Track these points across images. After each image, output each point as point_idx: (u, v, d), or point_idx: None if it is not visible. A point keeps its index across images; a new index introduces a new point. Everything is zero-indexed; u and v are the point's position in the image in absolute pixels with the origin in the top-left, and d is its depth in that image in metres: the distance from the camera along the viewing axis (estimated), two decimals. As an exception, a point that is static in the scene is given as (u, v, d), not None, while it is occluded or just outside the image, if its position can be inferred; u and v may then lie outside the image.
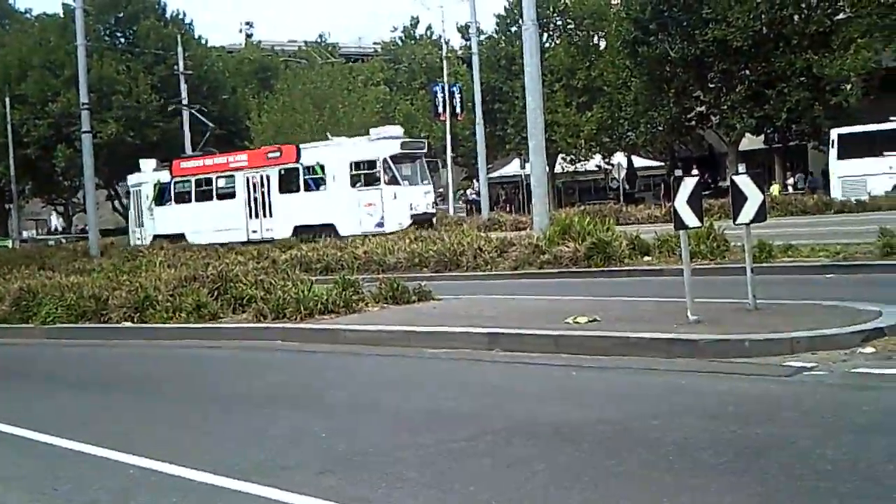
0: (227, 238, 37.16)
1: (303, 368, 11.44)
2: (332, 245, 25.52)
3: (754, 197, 10.90)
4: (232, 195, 41.03)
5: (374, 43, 79.32)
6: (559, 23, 58.30)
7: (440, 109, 52.45)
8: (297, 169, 38.59)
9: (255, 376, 10.95)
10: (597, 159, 56.81)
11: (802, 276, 15.36)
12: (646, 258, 18.88)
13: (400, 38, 75.30)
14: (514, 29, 55.57)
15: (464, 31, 60.00)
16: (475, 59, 46.11)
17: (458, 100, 52.66)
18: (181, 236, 41.47)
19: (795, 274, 15.56)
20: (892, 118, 35.89)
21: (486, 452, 6.62)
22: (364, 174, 36.39)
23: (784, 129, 46.55)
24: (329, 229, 35.70)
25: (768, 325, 9.76)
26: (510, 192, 60.97)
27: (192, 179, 43.02)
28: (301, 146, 39.29)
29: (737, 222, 11.04)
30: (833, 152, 37.20)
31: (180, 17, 64.78)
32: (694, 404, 7.63)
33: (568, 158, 56.02)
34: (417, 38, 74.01)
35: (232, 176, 41.23)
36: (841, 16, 43.90)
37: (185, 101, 52.65)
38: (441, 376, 9.94)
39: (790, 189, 46.09)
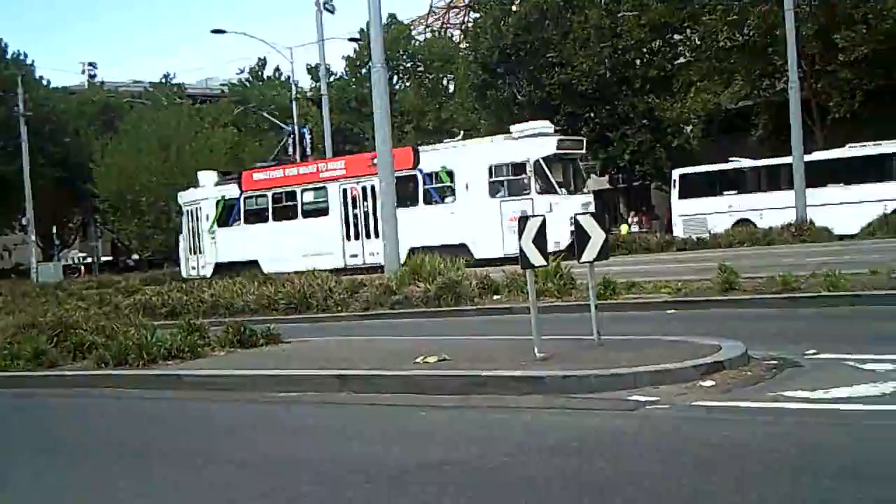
0: (318, 264, 29.31)
1: (139, 416, 11.06)
2: (178, 289, 24.91)
3: (597, 236, 11.14)
4: (323, 212, 34.75)
5: (221, 84, 78.44)
6: (409, 65, 58.86)
7: (290, 151, 52.15)
8: (413, 177, 32.30)
9: (89, 425, 10.54)
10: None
11: (646, 312, 15.73)
12: (495, 297, 19.07)
13: (247, 79, 74.71)
14: (363, 70, 55.82)
15: (314, 72, 59.94)
16: (325, 101, 46.13)
17: (308, 141, 52.46)
18: (252, 264, 34.40)
19: (639, 310, 15.93)
20: (731, 158, 37.33)
21: (324, 499, 6.49)
22: (508, 181, 30.74)
23: (628, 170, 47.91)
24: (459, 251, 28.89)
25: (613, 361, 9.91)
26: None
27: (269, 194, 36.22)
28: (420, 148, 33.60)
29: (581, 260, 11.26)
30: (675, 192, 38.43)
31: (21, 57, 62.95)
32: (541, 441, 7.67)
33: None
34: (265, 79, 73.53)
35: (323, 188, 34.93)
36: (681, 60, 45.64)
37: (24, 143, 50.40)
38: (286, 421, 9.75)
39: (637, 228, 47.40)
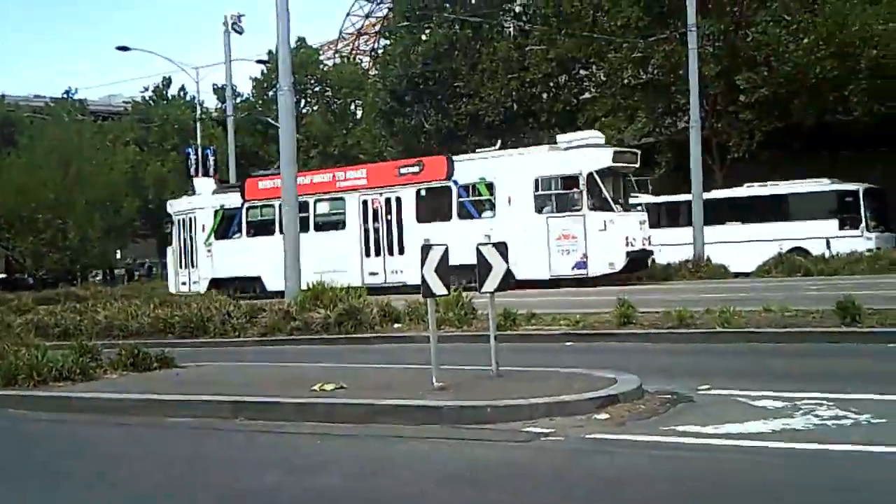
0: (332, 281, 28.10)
1: (22, 437, 10.73)
2: (71, 309, 24.28)
3: (498, 266, 11.18)
4: (339, 225, 32.09)
5: (125, 101, 77.22)
6: (317, 89, 58.71)
7: (193, 171, 51.45)
8: (447, 189, 29.93)
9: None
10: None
11: (545, 343, 15.82)
12: (396, 325, 19.02)
13: (152, 97, 73.68)
14: (271, 93, 55.48)
15: (220, 93, 59.42)
16: (230, 122, 45.70)
17: (211, 162, 51.83)
18: (254, 280, 32.58)
19: (538, 342, 16.02)
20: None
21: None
22: (556, 195, 28.28)
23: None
24: None
25: (510, 392, 9.94)
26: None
27: (277, 204, 31.38)
28: (455, 158, 30.93)
29: (482, 290, 11.28)
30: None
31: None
32: (435, 470, 7.65)
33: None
34: (170, 98, 72.61)
35: (340, 199, 32.19)
36: (586, 95, 46.33)
37: None
38: (173, 447, 9.55)
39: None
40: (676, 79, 38.39)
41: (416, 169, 30.65)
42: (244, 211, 34.23)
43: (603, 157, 27.95)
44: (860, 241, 31.37)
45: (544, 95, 46.62)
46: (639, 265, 27.91)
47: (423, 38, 48.85)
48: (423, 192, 30.41)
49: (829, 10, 32.97)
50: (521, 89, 45.40)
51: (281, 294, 25.78)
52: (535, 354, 13.99)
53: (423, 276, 10.49)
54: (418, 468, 7.80)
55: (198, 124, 54.80)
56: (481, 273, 11.12)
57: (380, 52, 57.17)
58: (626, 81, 42.34)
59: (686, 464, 7.43)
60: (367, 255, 30.92)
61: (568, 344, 15.63)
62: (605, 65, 42.65)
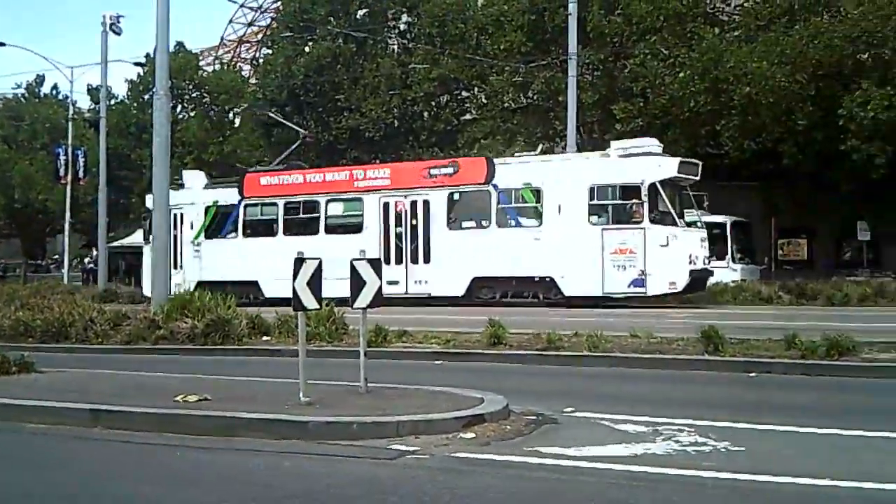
0: (341, 291, 25.06)
1: None
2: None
3: (372, 282, 11.15)
4: (355, 228, 29.26)
5: (-7, 97, 74.61)
6: (195, 95, 57.77)
7: (62, 172, 50.01)
8: (485, 193, 27.63)
9: None
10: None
11: (415, 361, 15.81)
12: (265, 338, 18.78)
13: (23, 94, 71.39)
14: (147, 96, 54.39)
15: (94, 93, 57.96)
16: (103, 123, 44.64)
17: (81, 164, 50.43)
18: (249, 285, 30.01)
19: (409, 359, 15.99)
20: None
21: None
22: (613, 205, 26.15)
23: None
24: (542, 286, 26.21)
25: (377, 409, 9.89)
26: (132, 264, 58.97)
27: (281, 202, 30.71)
28: (496, 160, 28.56)
29: (354, 306, 11.22)
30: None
31: None
32: (297, 487, 7.55)
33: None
34: (42, 96, 70.48)
35: (358, 200, 29.68)
36: (467, 116, 46.70)
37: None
38: (26, 454, 9.22)
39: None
40: (556, 105, 39.02)
41: (449, 170, 28.47)
42: (241, 209, 31.66)
43: (668, 167, 25.88)
44: (727, 272, 32.18)
45: (425, 114, 46.83)
46: (699, 285, 26.20)
47: (306, 49, 48.57)
48: (456, 196, 28.24)
49: (706, 47, 33.91)
50: (402, 106, 45.51)
51: (281, 302, 24.79)
52: (405, 372, 13.97)
53: (294, 290, 10.37)
54: (279, 483, 7.70)
55: (70, 124, 53.27)
56: (354, 288, 11.06)
57: (261, 61, 56.56)
58: (506, 105, 42.84)
59: (546, 485, 7.51)
60: (387, 262, 27.74)
61: (438, 363, 15.66)
62: (486, 87, 43.08)
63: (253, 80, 55.71)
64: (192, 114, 57.02)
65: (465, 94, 47.42)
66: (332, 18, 48.16)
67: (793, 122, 30.36)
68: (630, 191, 25.59)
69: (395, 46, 48.25)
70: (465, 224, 28.31)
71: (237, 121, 57.00)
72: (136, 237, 55.71)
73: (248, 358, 17.23)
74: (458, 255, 27.04)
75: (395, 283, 27.51)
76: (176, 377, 13.05)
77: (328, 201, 30.10)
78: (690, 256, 25.39)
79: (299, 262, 10.61)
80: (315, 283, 10.49)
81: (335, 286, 25.93)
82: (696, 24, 36.48)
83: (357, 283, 11.05)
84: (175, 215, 31.49)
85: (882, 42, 30.31)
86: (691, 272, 25.44)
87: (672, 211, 25.60)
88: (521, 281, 26.57)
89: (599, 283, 25.47)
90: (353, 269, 11.13)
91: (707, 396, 12.08)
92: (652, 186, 25.27)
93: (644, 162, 25.77)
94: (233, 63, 68.08)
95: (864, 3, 30.98)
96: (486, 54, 41.22)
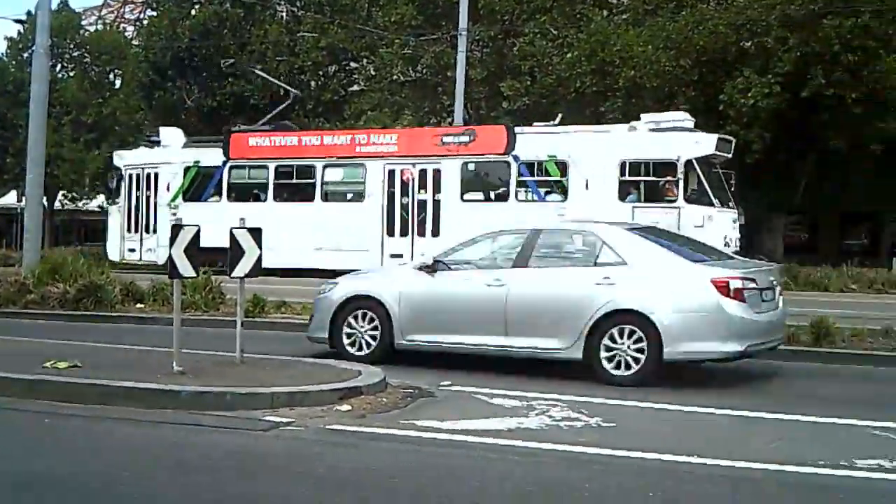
0: (338, 262, 23.59)
1: None
2: None
3: (251, 251, 11.00)
4: (356, 196, 27.92)
5: None
6: (76, 55, 56.07)
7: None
8: (504, 165, 25.89)
9: None
10: (100, 199, 54.95)
11: (294, 332, 15.60)
12: (139, 305, 18.37)
13: None
14: (26, 55, 52.58)
15: (-31, 50, 55.86)
16: (-23, 81, 43.04)
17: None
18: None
19: (287, 330, 15.82)
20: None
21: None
22: (646, 182, 24.70)
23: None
24: None
25: (252, 380, 9.79)
26: (4, 226, 57.27)
27: (272, 166, 28.48)
28: (517, 130, 26.48)
29: (232, 275, 11.06)
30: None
31: None
32: (169, 457, 7.46)
33: (70, 196, 53.67)
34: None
35: (360, 165, 27.76)
36: (355, 87, 46.33)
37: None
38: None
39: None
40: (444, 80, 38.98)
41: (465, 139, 26.56)
42: (226, 170, 29.24)
43: (706, 144, 24.38)
44: None
45: (313, 83, 46.31)
46: None
47: (193, 13, 47.52)
48: (471, 167, 26.64)
49: (594, 28, 34.21)
50: (289, 74, 44.90)
51: (267, 271, 23.58)
52: (283, 343, 13.86)
53: (170, 256, 10.17)
54: (151, 453, 7.59)
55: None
56: (232, 257, 10.89)
57: (145, 22, 55.16)
58: (395, 78, 42.64)
59: (420, 458, 7.57)
60: (391, 233, 26.66)
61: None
62: (375, 59, 42.82)
63: (136, 42, 54.23)
64: (71, 74, 55.32)
65: (353, 65, 47.02)
66: (220, -19, 47.22)
67: (675, 107, 30.88)
68: (665, 167, 24.21)
69: (284, 14, 47.52)
70: (480, 196, 26.69)
71: (118, 82, 55.50)
72: (10, 199, 54.15)
73: (121, 325, 16.85)
74: (472, 230, 24.26)
75: (399, 256, 26.17)
76: (46, 342, 12.69)
77: (326, 166, 28.07)
78: (725, 238, 23.78)
79: (177, 228, 10.42)
80: (192, 250, 10.29)
81: (335, 257, 25.11)
82: (585, 6, 36.78)
83: (236, 252, 10.88)
84: (149, 175, 30.49)
85: (765, 31, 30.93)
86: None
87: (708, 190, 24.21)
88: None
89: None
90: (232, 237, 10.97)
91: (582, 373, 12.24)
92: (688, 163, 23.96)
93: (680, 137, 24.34)
94: (116, 24, 66.27)
95: (750, -8, 31.65)
96: (377, 26, 40.92)
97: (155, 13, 51.30)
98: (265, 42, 44.43)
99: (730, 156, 25.48)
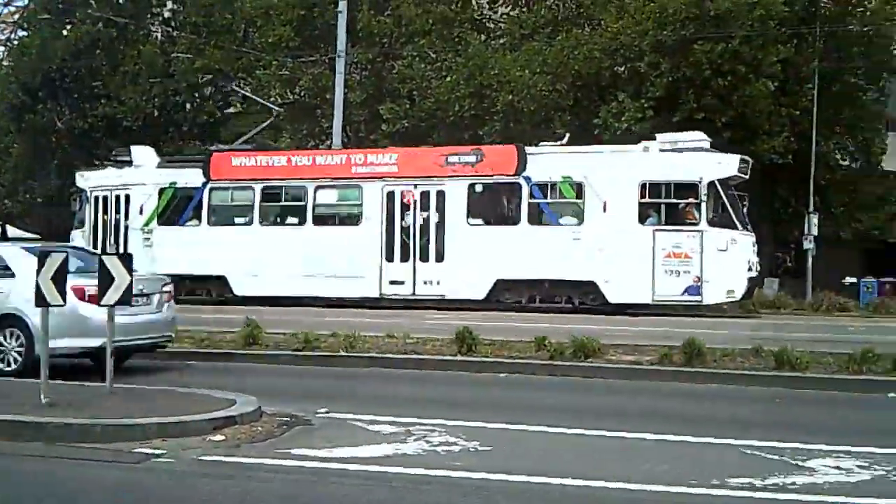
0: (331, 290, 23.95)
1: None
2: None
3: (122, 278, 10.73)
4: (352, 219, 26.49)
5: None
6: (-59, 75, 54.26)
7: None
8: (515, 186, 24.69)
9: None
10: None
11: (167, 361, 15.26)
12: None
13: None
14: None
15: None
16: None
17: None
18: (214, 281, 26.43)
19: (160, 359, 15.46)
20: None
21: None
22: (667, 204, 23.63)
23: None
24: (581, 290, 23.67)
25: (123, 411, 9.56)
26: None
27: (258, 188, 26.78)
28: (528, 150, 25.06)
29: (101, 303, 10.77)
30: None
31: None
32: (33, 493, 7.21)
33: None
34: None
35: (356, 188, 26.32)
36: (232, 110, 45.87)
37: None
38: None
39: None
40: (323, 102, 38.82)
41: (471, 158, 25.34)
42: (207, 192, 27.45)
43: (728, 165, 23.62)
44: None
45: (188, 105, 45.65)
46: (750, 294, 24.35)
47: (65, 33, 46.41)
48: (478, 188, 25.24)
49: (472, 52, 34.51)
50: (163, 96, 44.17)
51: (252, 300, 23.39)
52: (155, 373, 13.57)
53: (37, 284, 9.89)
54: (17, 492, 7.31)
55: None
56: (102, 284, 10.62)
57: (16, 42, 53.65)
58: (272, 99, 42.33)
59: (292, 487, 7.48)
60: (390, 258, 25.29)
61: (189, 363, 15.23)
62: (252, 81, 42.44)
63: (6, 63, 52.69)
64: (-64, 95, 53.48)
65: (230, 86, 46.52)
66: (92, 2, 46.22)
67: (552, 130, 31.33)
68: (686, 189, 23.43)
69: (159, 34, 46.78)
70: (488, 219, 25.55)
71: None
72: None
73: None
74: (480, 254, 24.22)
75: (400, 283, 25.17)
76: None
77: (318, 188, 26.56)
78: (749, 262, 23.37)
79: (44, 255, 10.14)
80: (60, 278, 10.01)
81: (327, 284, 24.74)
82: (463, 30, 37.10)
83: (106, 279, 10.60)
84: (117, 197, 28.69)
85: (638, 56, 31.64)
86: (750, 280, 23.63)
87: (731, 212, 23.43)
88: (554, 284, 23.97)
89: (649, 289, 23.06)
90: (101, 265, 10.68)
91: (460, 396, 12.33)
92: (711, 185, 23.19)
93: (702, 158, 23.58)
94: (-16, 43, 64.36)
95: (624, 18, 32.31)
96: (254, 47, 40.61)
97: (26, 33, 49.93)
98: (138, 63, 43.59)
99: (747, 177, 24.60)
